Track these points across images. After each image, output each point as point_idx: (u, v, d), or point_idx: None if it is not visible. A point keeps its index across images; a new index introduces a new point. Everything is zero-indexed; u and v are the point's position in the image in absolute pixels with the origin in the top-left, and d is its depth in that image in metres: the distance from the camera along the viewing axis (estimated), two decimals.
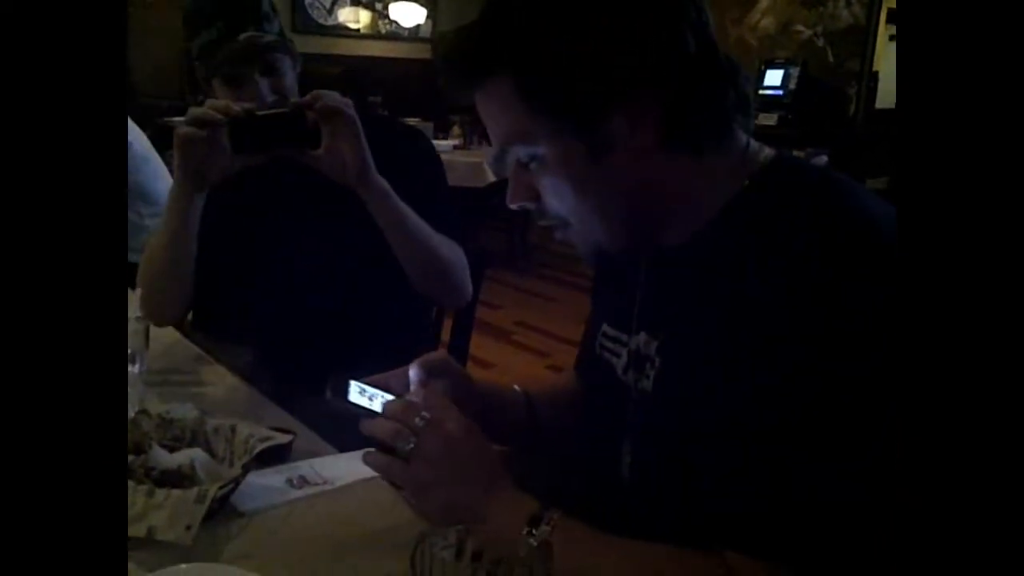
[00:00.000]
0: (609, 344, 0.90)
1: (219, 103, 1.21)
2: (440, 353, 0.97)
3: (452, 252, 1.41)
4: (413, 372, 0.90)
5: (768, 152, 0.79)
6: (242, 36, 1.29)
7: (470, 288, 1.49)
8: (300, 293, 1.50)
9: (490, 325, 3.88)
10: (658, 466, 0.82)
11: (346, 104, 1.23)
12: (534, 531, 0.70)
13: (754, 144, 0.79)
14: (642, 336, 0.83)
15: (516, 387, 1.05)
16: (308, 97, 1.23)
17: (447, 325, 1.73)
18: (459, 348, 1.71)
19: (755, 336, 0.68)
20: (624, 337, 0.87)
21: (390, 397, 0.85)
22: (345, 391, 0.87)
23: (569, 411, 1.03)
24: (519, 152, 0.76)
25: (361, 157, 1.25)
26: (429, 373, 0.90)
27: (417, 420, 0.79)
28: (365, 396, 0.87)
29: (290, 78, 1.37)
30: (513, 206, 0.81)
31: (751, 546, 0.67)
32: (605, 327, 0.92)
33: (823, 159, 4.21)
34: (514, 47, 0.71)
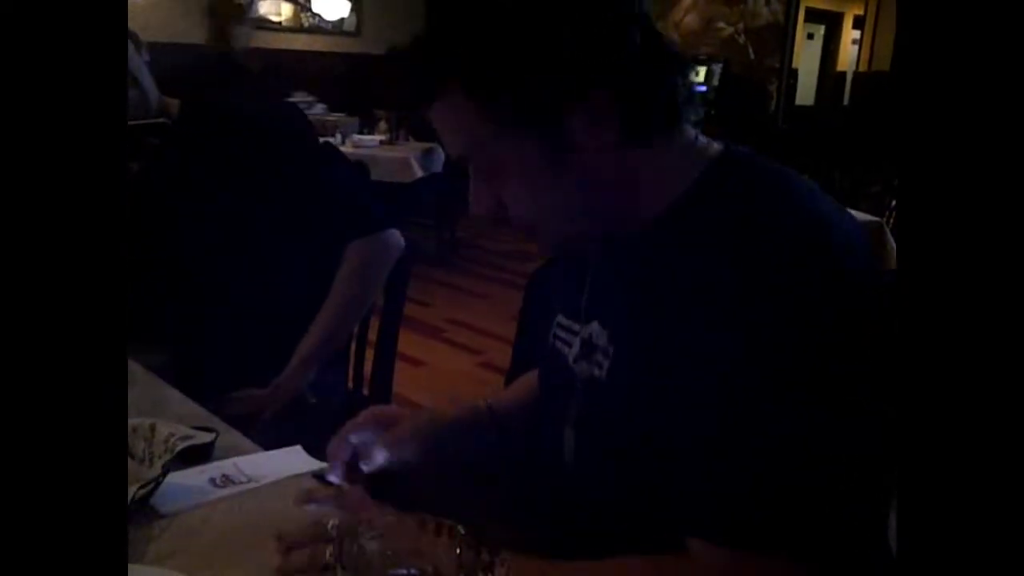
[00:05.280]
0: (563, 334, 0.90)
1: None
2: (368, 419, 0.94)
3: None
4: (333, 474, 0.90)
5: (716, 146, 0.80)
6: None
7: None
8: (216, 293, 1.49)
9: (420, 323, 3.86)
10: (604, 454, 0.82)
11: None
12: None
13: (702, 138, 0.80)
14: (594, 325, 0.83)
15: (481, 402, 1.04)
16: None
17: (374, 324, 1.72)
18: (387, 347, 1.70)
19: (703, 329, 0.69)
20: (576, 327, 0.87)
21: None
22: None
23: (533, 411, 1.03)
24: (480, 160, 0.76)
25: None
26: (353, 456, 0.90)
27: (328, 526, 0.74)
28: None
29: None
30: (477, 212, 0.81)
31: (708, 532, 0.68)
32: (560, 317, 0.92)
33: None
34: (462, 58, 0.71)
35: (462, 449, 0.98)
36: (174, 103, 1.50)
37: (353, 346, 1.72)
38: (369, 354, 1.72)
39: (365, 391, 1.74)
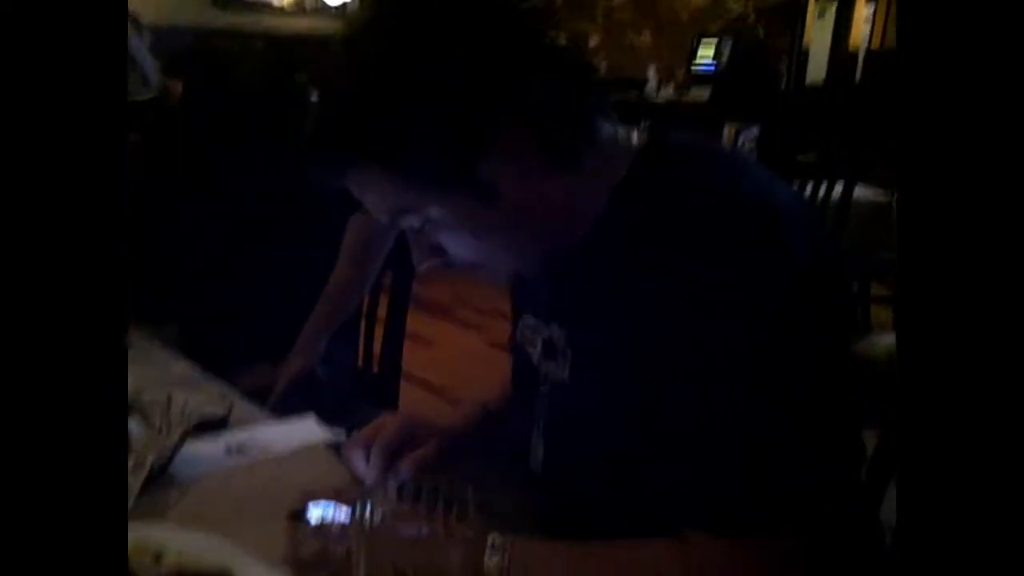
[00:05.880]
0: (528, 333, 0.91)
1: None
2: (396, 434, 0.94)
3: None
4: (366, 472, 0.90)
5: (641, 136, 0.80)
6: None
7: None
8: (223, 269, 1.53)
9: (428, 301, 3.88)
10: (572, 457, 0.83)
11: None
12: (492, 562, 0.69)
13: (622, 131, 0.79)
14: (554, 327, 0.84)
15: (476, 402, 1.06)
16: None
17: (383, 301, 1.74)
18: (396, 324, 1.72)
19: (652, 325, 0.69)
20: (540, 326, 0.88)
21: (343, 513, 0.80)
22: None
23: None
24: (410, 220, 0.76)
25: None
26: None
27: (336, 527, 0.76)
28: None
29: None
30: (422, 268, 0.81)
31: (694, 523, 0.68)
32: (525, 316, 0.93)
33: (754, 133, 4.30)
34: (367, 138, 0.70)
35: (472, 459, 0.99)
36: (176, 84, 1.52)
37: (363, 324, 1.75)
38: (379, 332, 1.75)
39: (375, 368, 1.76)
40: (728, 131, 4.20)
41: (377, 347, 1.75)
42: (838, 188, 3.16)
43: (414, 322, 1.79)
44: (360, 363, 1.76)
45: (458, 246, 0.77)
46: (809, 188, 3.19)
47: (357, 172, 0.73)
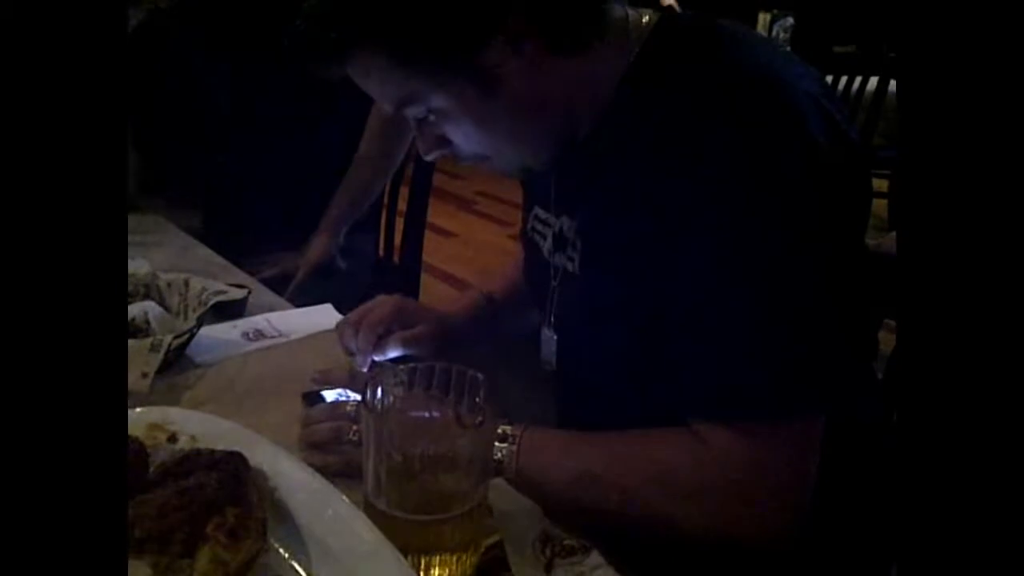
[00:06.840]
0: (539, 226, 0.90)
1: None
2: (390, 312, 0.95)
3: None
4: (362, 365, 0.91)
5: (651, 16, 0.76)
6: None
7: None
8: (247, 157, 1.52)
9: (452, 195, 3.86)
10: (582, 350, 0.83)
11: None
12: (502, 450, 0.71)
13: (632, 12, 0.76)
14: (564, 219, 0.83)
15: (481, 291, 1.06)
16: None
17: (404, 194, 1.72)
18: (416, 216, 1.71)
19: (663, 212, 0.68)
20: (551, 219, 0.86)
21: (356, 397, 0.82)
22: (322, 399, 0.85)
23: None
24: (415, 111, 0.74)
25: None
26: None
27: (348, 409, 0.78)
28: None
29: None
30: (429, 158, 0.79)
31: (704, 413, 0.68)
32: (536, 209, 0.91)
33: (789, 22, 4.13)
34: (370, 20, 0.68)
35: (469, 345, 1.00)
36: None
37: (384, 215, 1.74)
38: (400, 225, 1.74)
39: (396, 260, 1.76)
40: (762, 19, 4.04)
41: (398, 239, 1.74)
42: (873, 81, 3.06)
43: (437, 214, 1.78)
44: (381, 254, 1.76)
45: (462, 137, 0.75)
46: (843, 81, 3.10)
47: (359, 60, 0.71)
